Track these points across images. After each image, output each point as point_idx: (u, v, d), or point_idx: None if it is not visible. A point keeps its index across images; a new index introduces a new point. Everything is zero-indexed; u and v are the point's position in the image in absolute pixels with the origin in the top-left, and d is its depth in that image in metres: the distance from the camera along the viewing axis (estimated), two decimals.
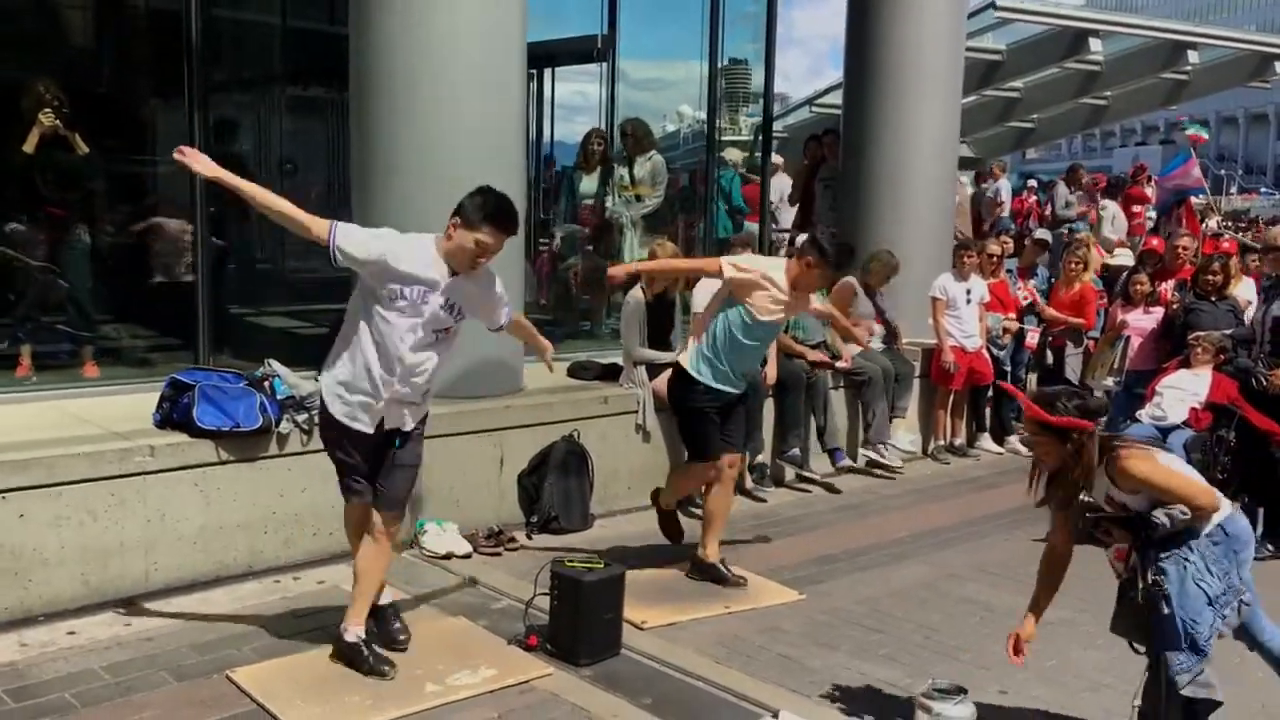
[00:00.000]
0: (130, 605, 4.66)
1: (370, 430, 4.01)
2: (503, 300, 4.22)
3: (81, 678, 4.00)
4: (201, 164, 3.85)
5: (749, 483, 6.93)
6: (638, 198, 8.45)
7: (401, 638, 4.26)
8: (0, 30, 7.74)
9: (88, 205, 6.68)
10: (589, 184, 8.72)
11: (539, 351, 4.68)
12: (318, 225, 3.89)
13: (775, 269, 5.08)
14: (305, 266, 10.19)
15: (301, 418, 5.16)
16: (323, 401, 4.07)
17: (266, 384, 5.19)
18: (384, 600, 4.35)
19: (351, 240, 3.88)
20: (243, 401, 4.98)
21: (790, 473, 7.27)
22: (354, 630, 4.11)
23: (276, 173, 10.28)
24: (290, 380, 5.29)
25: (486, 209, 3.86)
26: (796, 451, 7.12)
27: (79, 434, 4.89)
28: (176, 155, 3.85)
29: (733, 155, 10.46)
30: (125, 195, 8.00)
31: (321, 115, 10.57)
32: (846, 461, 7.39)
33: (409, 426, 4.10)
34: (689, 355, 5.14)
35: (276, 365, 5.36)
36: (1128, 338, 7.75)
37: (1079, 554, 6.06)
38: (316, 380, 5.39)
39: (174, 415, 4.94)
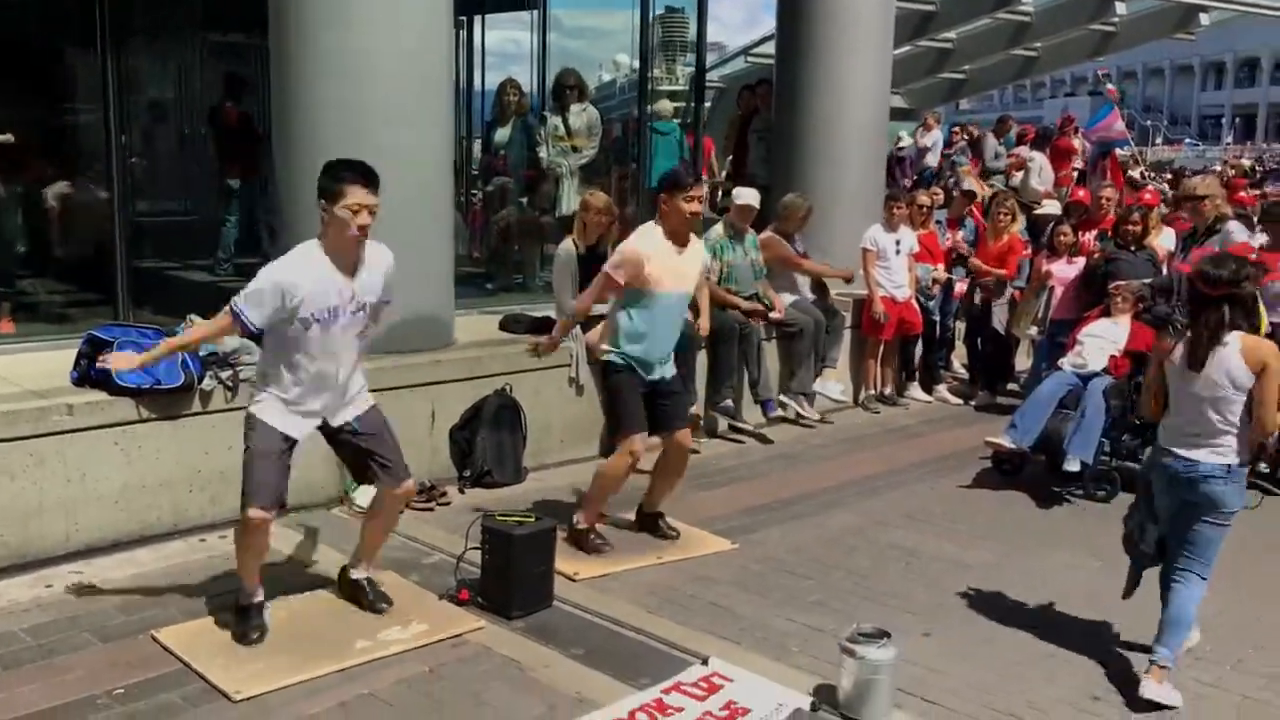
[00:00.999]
0: (51, 566, 4.57)
1: (310, 429, 4.03)
2: (389, 275, 4.08)
3: (2, 640, 3.92)
4: (125, 363, 4.05)
5: None
6: (574, 148, 8.37)
7: (382, 606, 4.25)
8: None
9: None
10: (503, 134, 8.67)
11: None
12: (222, 318, 3.89)
13: (644, 236, 4.94)
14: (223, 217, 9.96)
15: (225, 374, 5.07)
16: (251, 414, 3.96)
17: None
18: (360, 575, 4.31)
19: (252, 302, 3.80)
20: (164, 358, 4.86)
21: (723, 423, 7.32)
22: (359, 570, 4.29)
23: (196, 121, 10.02)
24: None
25: (339, 172, 3.79)
26: (729, 403, 7.17)
27: None
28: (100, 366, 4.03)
29: (663, 106, 10.36)
30: (37, 146, 7.71)
31: (242, 61, 10.29)
32: (778, 412, 7.46)
33: (358, 413, 4.11)
34: (607, 343, 5.01)
35: (199, 320, 5.22)
36: (1051, 287, 7.90)
37: (1001, 500, 6.28)
38: (240, 336, 5.33)
39: (92, 373, 4.81)
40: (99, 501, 4.74)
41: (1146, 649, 3.97)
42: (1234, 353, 3.79)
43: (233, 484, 5.05)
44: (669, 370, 5.11)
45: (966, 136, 13.36)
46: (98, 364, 3.94)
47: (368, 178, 3.81)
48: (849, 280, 8.04)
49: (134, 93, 7.10)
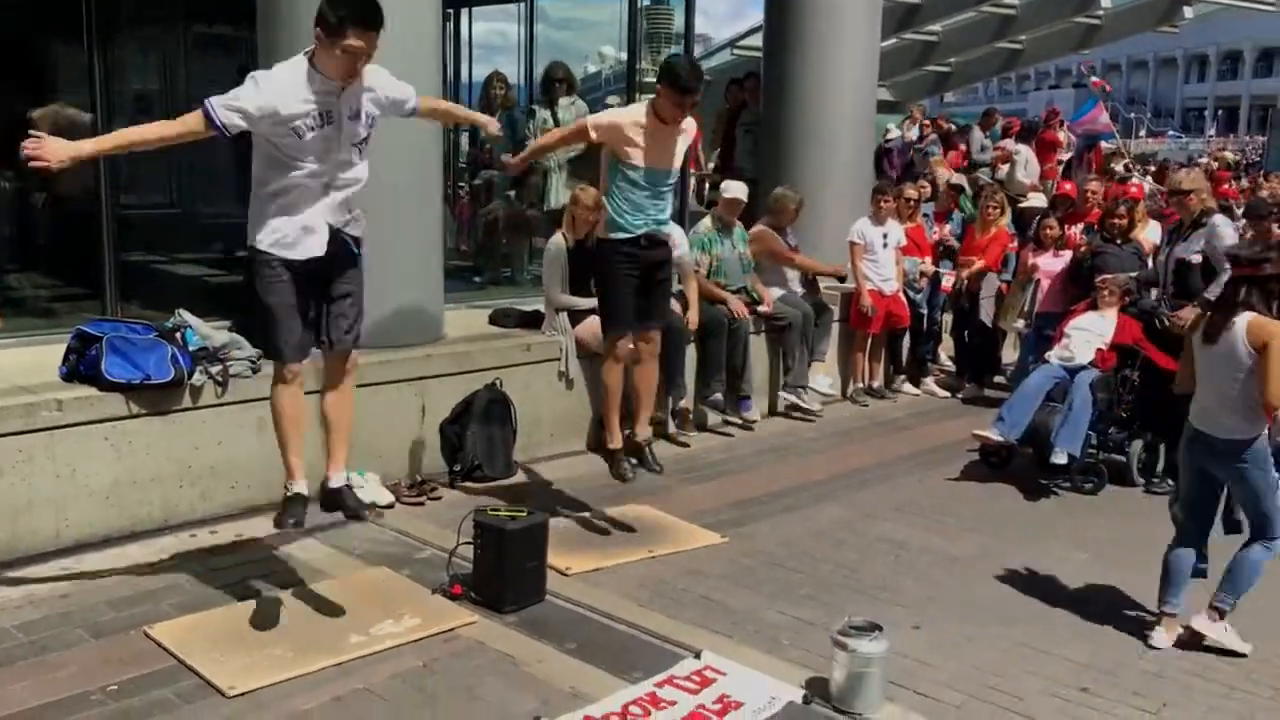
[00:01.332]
0: (42, 562, 4.55)
1: (320, 250, 3.89)
2: (401, 85, 4.03)
3: None
4: (56, 151, 3.52)
5: (671, 428, 6.99)
6: None
7: (363, 512, 4.32)
8: None
9: None
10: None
11: (481, 125, 4.71)
12: (192, 118, 3.66)
13: (634, 111, 4.97)
14: (216, 213, 9.91)
15: (215, 369, 5.06)
16: (254, 253, 3.86)
17: (178, 335, 5.06)
18: (339, 482, 4.23)
19: (231, 103, 3.63)
20: (153, 353, 4.85)
21: (713, 417, 7.33)
22: (337, 477, 4.19)
23: (182, 113, 9.94)
24: (202, 331, 5.17)
25: (343, 9, 3.61)
26: (719, 396, 7.19)
27: None
28: (27, 153, 3.46)
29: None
30: (22, 138, 7.65)
31: (228, 53, 10.22)
32: (753, 414, 7.43)
33: (357, 231, 4.02)
34: (603, 225, 5.10)
35: (188, 316, 5.23)
36: (1037, 280, 7.94)
37: (988, 493, 6.32)
38: (230, 331, 5.32)
39: (81, 368, 4.80)
40: (89, 497, 4.73)
41: (1139, 637, 4.04)
42: (1240, 330, 4.06)
43: (223, 479, 5.12)
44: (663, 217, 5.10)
45: (936, 131, 13.33)
46: (24, 150, 3.40)
47: (370, 20, 3.66)
48: (842, 279, 8.06)
49: (121, 84, 7.03)
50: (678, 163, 5.08)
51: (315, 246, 3.90)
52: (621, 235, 4.98)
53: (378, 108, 3.97)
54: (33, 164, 3.46)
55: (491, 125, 4.67)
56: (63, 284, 6.98)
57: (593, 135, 4.94)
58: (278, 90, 3.68)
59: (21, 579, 4.42)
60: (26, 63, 7.76)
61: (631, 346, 5.22)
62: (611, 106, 9.98)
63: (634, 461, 5.38)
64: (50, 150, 3.51)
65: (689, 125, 5.08)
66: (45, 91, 7.64)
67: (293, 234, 3.86)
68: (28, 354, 5.36)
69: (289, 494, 4.08)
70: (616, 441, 5.35)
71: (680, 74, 4.78)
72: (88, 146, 3.69)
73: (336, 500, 4.22)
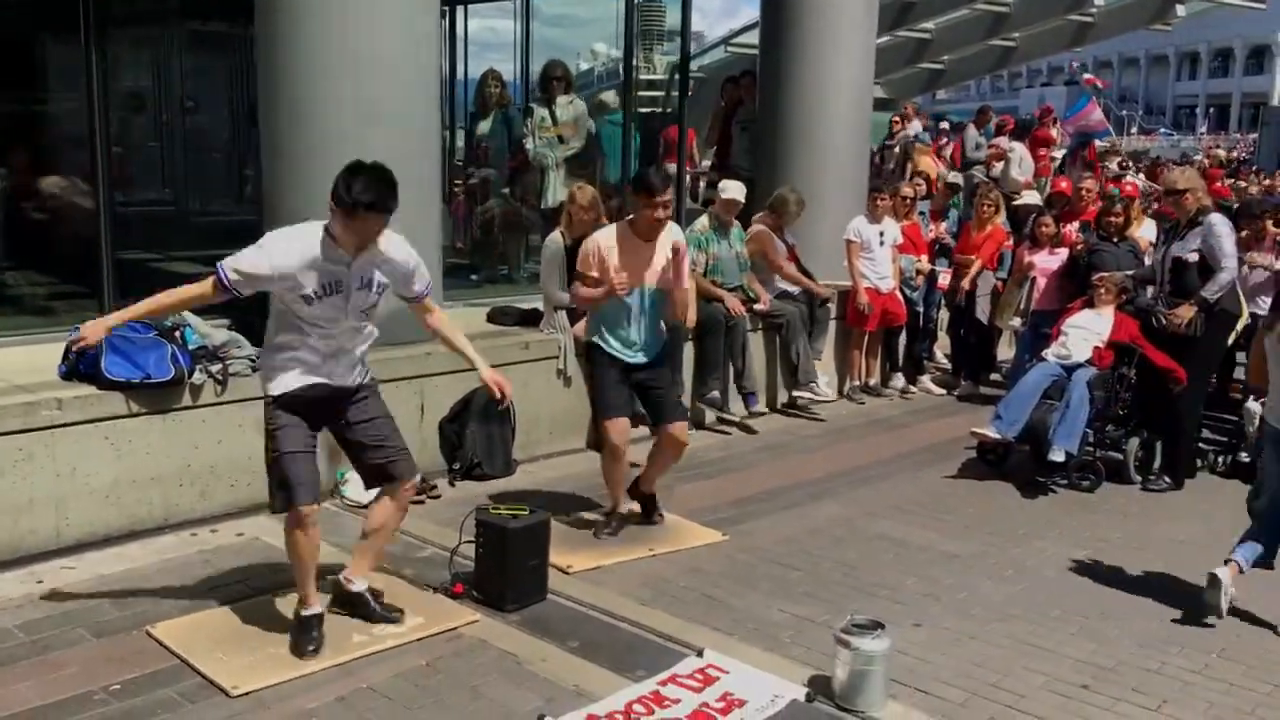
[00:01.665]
0: (42, 561, 4.55)
1: (324, 382, 3.90)
2: (417, 268, 4.02)
3: None
4: (96, 330, 3.85)
5: None
6: (560, 139, 8.35)
7: (394, 616, 4.15)
8: None
9: None
10: (485, 125, 8.67)
11: (485, 381, 4.29)
12: (207, 283, 3.75)
13: (605, 234, 4.99)
14: (212, 210, 9.91)
15: (215, 368, 5.06)
16: (267, 394, 3.89)
17: (177, 334, 5.05)
18: (360, 587, 4.18)
19: (242, 264, 3.71)
20: (153, 352, 4.85)
21: (710, 415, 7.35)
22: (360, 581, 4.16)
23: (178, 110, 9.94)
24: (202, 330, 5.17)
25: (360, 194, 3.62)
26: (716, 394, 7.21)
27: None
28: (78, 348, 3.83)
29: (608, 98, 10.26)
30: (19, 136, 7.63)
31: (223, 51, 10.21)
32: (759, 406, 7.47)
33: (357, 382, 4.02)
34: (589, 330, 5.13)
35: (187, 314, 5.19)
36: (1033, 278, 7.96)
37: (986, 490, 6.33)
38: (229, 329, 5.31)
39: (80, 367, 4.79)
40: (89, 496, 4.72)
41: (1137, 634, 4.06)
42: None
43: (223, 478, 5.11)
44: (652, 355, 5.10)
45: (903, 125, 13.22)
46: (74, 348, 3.76)
47: (388, 207, 3.71)
48: (825, 301, 8.01)
49: (117, 82, 7.01)
50: (659, 282, 4.99)
51: (321, 389, 3.92)
52: (604, 346, 5.03)
53: (389, 278, 3.94)
54: (79, 346, 3.80)
55: (495, 389, 4.31)
56: (60, 282, 6.97)
57: (594, 273, 4.89)
58: (286, 254, 3.71)
59: (23, 578, 4.41)
60: (24, 61, 7.76)
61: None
62: (607, 103, 10.00)
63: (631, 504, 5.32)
64: (92, 332, 3.85)
65: (668, 236, 4.95)
66: (42, 89, 7.64)
67: (301, 384, 3.87)
68: (26, 353, 5.35)
69: (304, 615, 3.93)
70: (623, 506, 5.25)
71: (648, 180, 4.82)
72: (112, 319, 3.91)
73: (357, 606, 4.14)
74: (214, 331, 5.20)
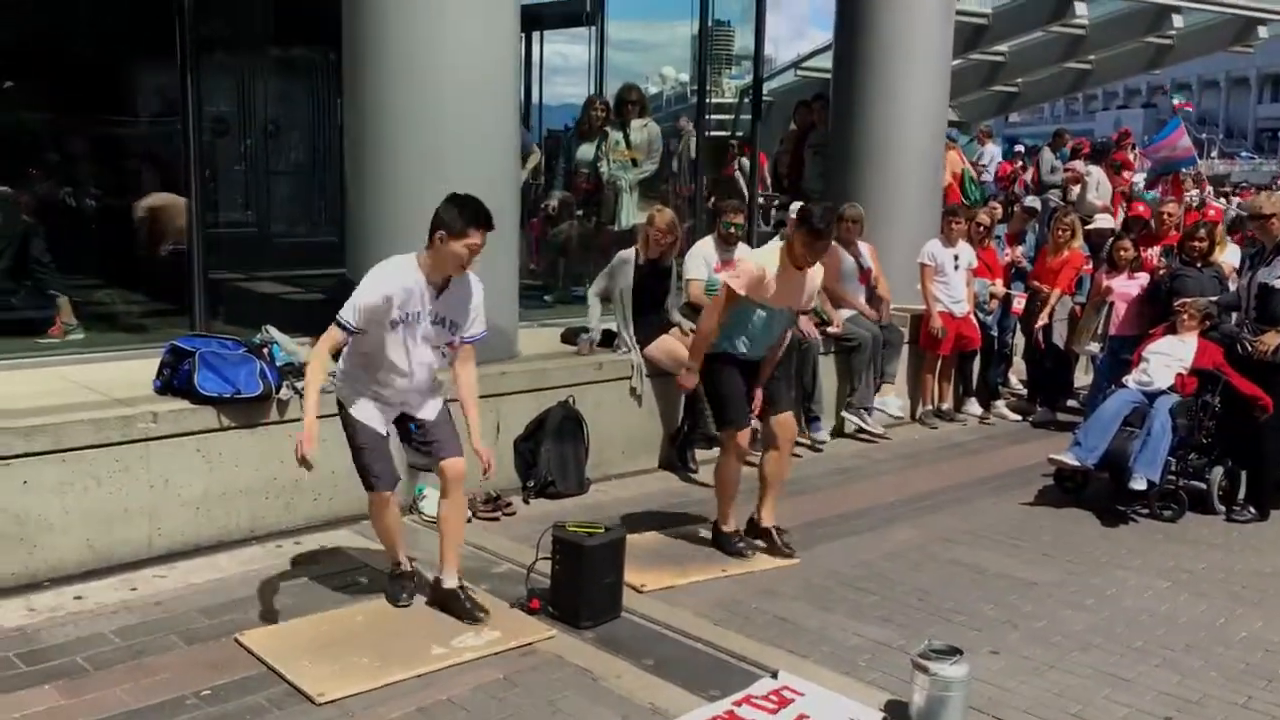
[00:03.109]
0: (135, 569, 4.71)
1: (384, 429, 4.32)
2: (479, 312, 4.34)
3: (92, 641, 4.04)
4: (314, 441, 4.04)
5: None
6: (634, 162, 8.45)
7: (480, 615, 4.33)
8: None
9: (78, 169, 6.67)
10: (587, 150, 8.73)
11: (480, 457, 4.37)
12: (328, 339, 4.10)
13: (768, 258, 5.04)
14: (295, 232, 10.19)
15: (300, 384, 5.18)
16: (340, 403, 4.28)
17: (265, 350, 5.21)
18: (451, 583, 4.41)
19: (360, 306, 4.04)
20: (243, 368, 5.01)
21: None
22: (453, 577, 4.40)
23: (262, 134, 10.24)
24: (288, 346, 5.32)
25: (468, 216, 4.04)
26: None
27: (82, 400, 4.90)
28: (303, 457, 4.03)
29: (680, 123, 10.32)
30: (115, 158, 7.94)
31: (306, 76, 10.51)
32: (823, 434, 7.44)
33: (430, 415, 4.37)
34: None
35: (274, 332, 5.38)
36: (1111, 303, 7.84)
37: (1064, 518, 6.25)
38: (313, 347, 5.45)
39: (175, 382, 4.97)
40: (181, 507, 4.88)
41: (1223, 666, 3.96)
42: None
43: (306, 491, 5.24)
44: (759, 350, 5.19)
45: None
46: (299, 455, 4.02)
47: (489, 224, 4.10)
48: (883, 325, 7.94)
49: (210, 106, 7.26)
50: (805, 303, 5.27)
51: (377, 417, 4.30)
52: (726, 351, 5.10)
53: (459, 315, 4.26)
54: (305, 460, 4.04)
55: (483, 460, 4.38)
56: (152, 300, 7.20)
57: (743, 293, 4.96)
58: (389, 282, 4.07)
59: (117, 585, 4.57)
60: (121, 86, 8.07)
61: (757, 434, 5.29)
62: (681, 125, 10.09)
63: (758, 543, 5.32)
64: (310, 447, 4.04)
65: (817, 271, 5.18)
66: (142, 113, 7.94)
67: (376, 415, 4.28)
68: (122, 368, 5.56)
69: (396, 573, 4.48)
70: (730, 525, 5.30)
71: (813, 216, 4.90)
72: (308, 424, 4.05)
73: (444, 600, 4.39)
74: (299, 349, 5.35)
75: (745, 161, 9.99)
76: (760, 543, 5.31)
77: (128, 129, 8.29)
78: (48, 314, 6.40)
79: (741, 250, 6.91)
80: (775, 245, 5.17)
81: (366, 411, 4.25)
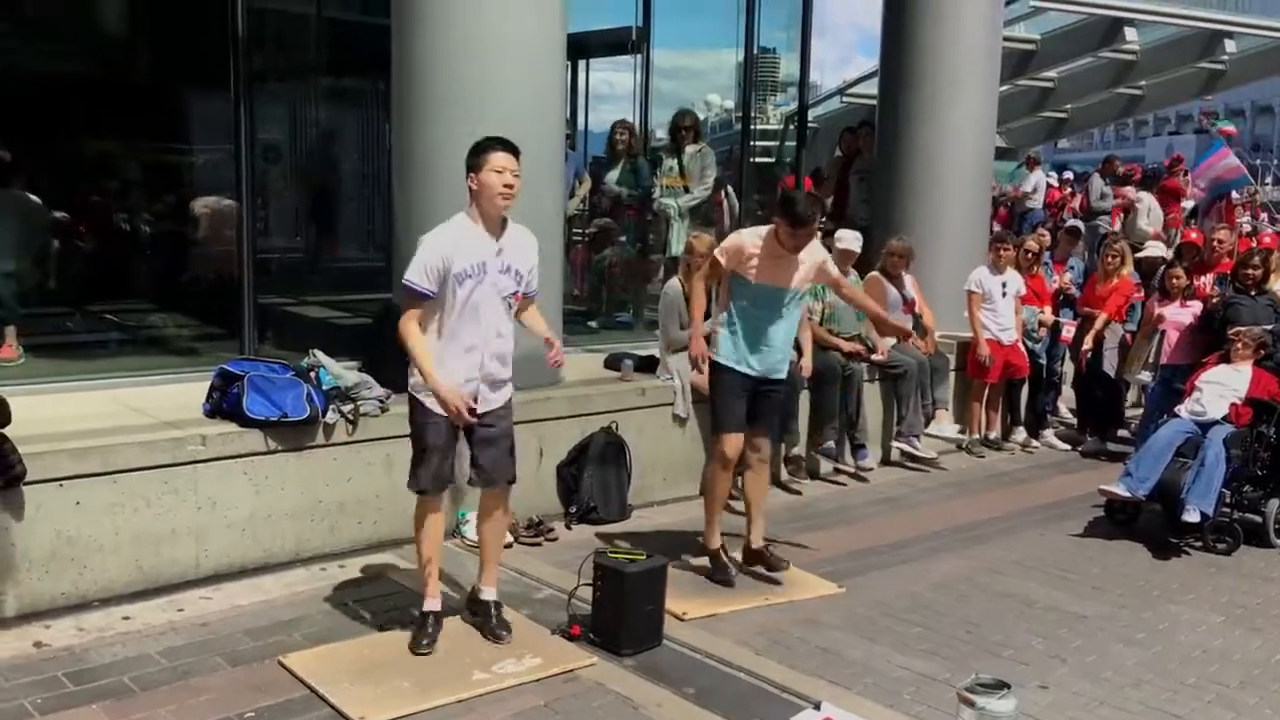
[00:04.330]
0: (182, 590, 4.77)
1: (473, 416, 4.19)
2: (537, 269, 4.34)
3: (138, 662, 4.09)
4: (451, 390, 4.07)
5: (784, 475, 6.97)
6: (685, 189, 8.48)
7: (503, 634, 4.35)
8: (61, 28, 7.85)
9: (132, 195, 6.81)
10: (612, 175, 8.83)
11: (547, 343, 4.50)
12: (409, 312, 4.08)
13: (756, 234, 5.07)
14: (342, 257, 10.32)
15: (347, 408, 5.24)
16: (412, 398, 4.22)
17: (312, 374, 5.27)
18: (488, 597, 4.45)
19: (420, 274, 4.04)
20: (290, 392, 5.06)
21: (826, 465, 7.28)
22: (491, 590, 4.44)
23: (310, 161, 10.41)
24: (335, 371, 5.37)
25: (483, 144, 4.11)
26: (832, 444, 7.15)
27: (132, 423, 4.98)
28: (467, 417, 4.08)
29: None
30: (169, 185, 8.11)
31: (354, 104, 10.68)
32: (869, 461, 7.37)
33: (496, 405, 4.29)
34: (716, 343, 5.18)
35: (321, 356, 5.43)
36: (1163, 331, 7.71)
37: (1115, 550, 6.13)
38: (360, 371, 5.51)
39: (224, 405, 5.03)
40: (227, 529, 4.93)
41: (1277, 708, 3.85)
42: None
43: (351, 515, 5.27)
44: (773, 367, 5.15)
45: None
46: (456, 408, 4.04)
47: (508, 145, 4.12)
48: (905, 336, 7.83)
49: (262, 134, 7.40)
50: (798, 284, 5.14)
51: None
52: (731, 364, 5.08)
53: (525, 265, 4.26)
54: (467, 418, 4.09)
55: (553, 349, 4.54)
56: (203, 324, 7.32)
57: (722, 261, 5.02)
58: (443, 241, 4.08)
59: (164, 606, 4.63)
60: (175, 114, 8.26)
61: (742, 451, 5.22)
62: (721, 199, 10.07)
63: (754, 568, 5.30)
64: (456, 400, 4.07)
65: (816, 253, 5.15)
66: (196, 140, 8.11)
67: (460, 378, 4.15)
68: (172, 391, 5.63)
69: (423, 611, 4.30)
70: (715, 542, 5.27)
71: (797, 208, 4.91)
72: (435, 383, 4.07)
73: (480, 613, 4.42)
74: (346, 373, 5.40)
75: (734, 196, 9.96)
76: (757, 568, 5.29)
77: (183, 156, 8.46)
78: (103, 337, 6.53)
79: None
80: (767, 227, 5.12)
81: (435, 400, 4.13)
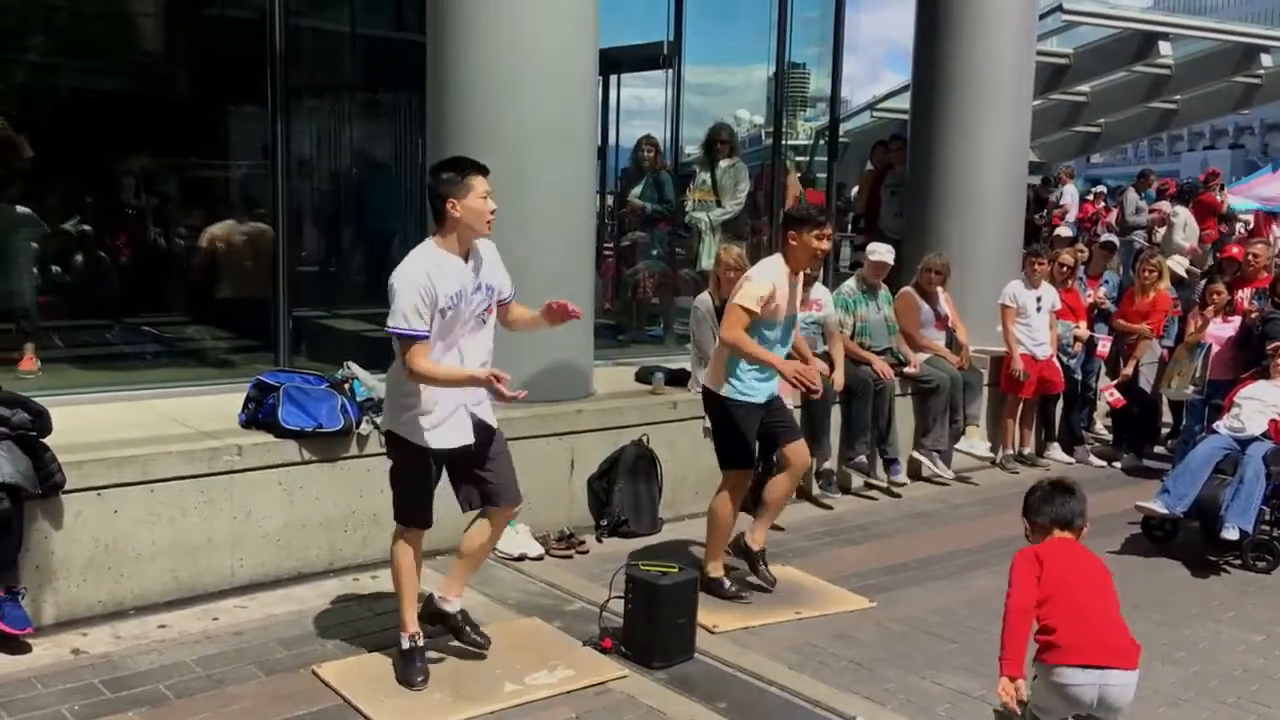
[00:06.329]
0: (218, 599, 4.81)
1: (461, 441, 4.04)
2: (505, 272, 4.20)
3: (174, 670, 4.13)
4: (485, 371, 3.95)
5: (815, 489, 6.94)
6: (717, 203, 8.49)
7: (480, 639, 4.31)
8: (102, 46, 7.99)
9: (171, 210, 6.91)
10: (637, 189, 8.86)
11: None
12: (418, 354, 3.86)
13: (767, 273, 4.97)
14: (374, 271, 10.37)
15: (380, 419, 5.26)
16: (397, 438, 4.06)
17: (347, 386, 5.32)
18: (454, 609, 4.34)
19: (411, 310, 3.82)
20: (325, 403, 5.11)
21: (857, 480, 7.25)
22: (455, 601, 4.33)
23: (346, 176, 10.50)
24: (369, 382, 5.40)
25: (465, 168, 3.97)
26: (863, 459, 7.11)
27: (170, 433, 5.04)
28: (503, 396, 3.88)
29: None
30: (205, 200, 8.21)
31: (388, 120, 10.75)
32: (901, 476, 7.33)
33: (491, 422, 4.17)
34: (713, 378, 5.10)
35: (355, 368, 5.48)
36: (1209, 346, 7.61)
37: (1153, 568, 6.05)
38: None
39: (259, 416, 5.08)
40: (262, 539, 4.97)
41: None
42: None
43: (384, 526, 5.25)
44: (774, 388, 5.14)
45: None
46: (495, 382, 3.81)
47: (483, 167, 4.01)
48: (958, 364, 7.75)
49: (298, 149, 7.49)
50: (800, 309, 5.31)
51: (454, 436, 4.03)
52: (745, 398, 5.02)
53: (496, 279, 4.13)
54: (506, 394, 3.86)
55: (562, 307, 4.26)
56: (239, 336, 7.40)
57: (757, 311, 4.86)
58: (424, 274, 3.86)
59: (199, 615, 4.67)
60: (212, 130, 8.37)
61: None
62: (753, 167, 10.08)
63: (752, 579, 5.27)
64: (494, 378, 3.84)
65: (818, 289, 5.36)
66: (232, 155, 8.22)
67: (429, 421, 3.98)
68: (209, 401, 5.70)
69: (405, 647, 4.11)
70: (718, 570, 5.19)
71: (808, 211, 5.01)
72: (472, 376, 3.95)
73: (450, 625, 4.32)
74: (379, 384, 5.42)
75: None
76: (754, 579, 5.26)
77: (220, 172, 8.57)
78: (141, 349, 6.61)
79: (818, 291, 6.91)
80: (774, 258, 5.05)
81: (440, 434, 3.99)
